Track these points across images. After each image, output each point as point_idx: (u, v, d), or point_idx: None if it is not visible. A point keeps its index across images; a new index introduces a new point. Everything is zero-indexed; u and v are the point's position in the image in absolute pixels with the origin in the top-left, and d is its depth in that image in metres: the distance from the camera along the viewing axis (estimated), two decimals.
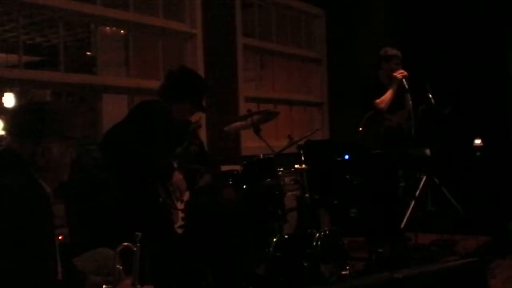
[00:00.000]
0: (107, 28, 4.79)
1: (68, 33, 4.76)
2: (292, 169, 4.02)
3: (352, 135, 4.72)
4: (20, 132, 1.98)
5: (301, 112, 6.82)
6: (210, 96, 4.86)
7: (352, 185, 4.86)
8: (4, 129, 2.17)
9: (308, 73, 6.94)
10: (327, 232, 3.60)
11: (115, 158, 3.12)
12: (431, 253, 4.38)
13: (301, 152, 4.02)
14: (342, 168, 5.05)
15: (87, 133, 4.59)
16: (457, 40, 6.47)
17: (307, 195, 3.92)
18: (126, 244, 2.18)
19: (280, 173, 3.93)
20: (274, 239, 3.62)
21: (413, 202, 4.39)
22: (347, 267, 3.62)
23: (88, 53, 5.56)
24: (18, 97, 4.09)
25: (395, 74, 4.61)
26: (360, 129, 4.51)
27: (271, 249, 3.57)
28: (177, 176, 3.17)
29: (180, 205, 3.23)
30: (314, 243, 3.48)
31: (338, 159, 5.13)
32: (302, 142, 4.25)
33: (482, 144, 5.69)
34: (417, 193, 4.46)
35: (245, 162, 3.97)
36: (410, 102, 4.47)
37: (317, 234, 3.53)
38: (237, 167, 3.99)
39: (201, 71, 4.92)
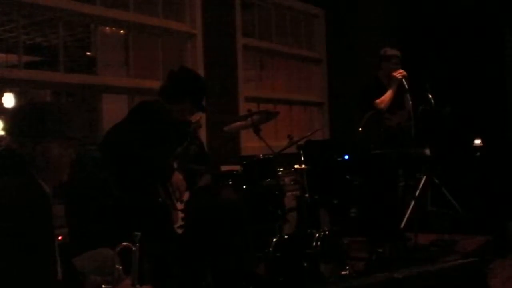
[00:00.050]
0: (107, 28, 4.79)
1: (68, 33, 4.74)
2: (292, 169, 4.02)
3: (352, 135, 4.72)
4: (20, 132, 1.97)
5: (301, 112, 6.82)
6: (210, 96, 4.85)
7: (352, 185, 4.87)
8: (4, 129, 2.16)
9: (308, 73, 6.94)
10: (327, 232, 3.60)
11: (115, 158, 3.12)
12: (431, 253, 4.37)
13: (301, 152, 4.03)
14: (342, 168, 5.05)
15: (87, 133, 4.58)
16: (457, 40, 6.46)
17: (307, 195, 3.93)
18: (125, 244, 2.18)
19: (280, 173, 3.94)
20: (274, 239, 3.62)
21: (413, 202, 4.40)
22: (347, 267, 3.61)
23: (88, 53, 5.55)
24: (18, 97, 4.09)
25: (394, 74, 4.61)
26: (360, 129, 4.51)
27: (271, 249, 3.57)
28: (177, 176, 3.17)
29: (180, 205, 3.23)
30: (314, 243, 3.48)
31: (338, 159, 5.14)
32: (302, 142, 4.25)
33: (482, 144, 5.68)
34: (417, 193, 4.46)
35: (245, 162, 3.97)
36: (410, 102, 4.47)
37: (317, 234, 3.53)
38: (237, 167, 3.99)
39: (201, 71, 4.92)
